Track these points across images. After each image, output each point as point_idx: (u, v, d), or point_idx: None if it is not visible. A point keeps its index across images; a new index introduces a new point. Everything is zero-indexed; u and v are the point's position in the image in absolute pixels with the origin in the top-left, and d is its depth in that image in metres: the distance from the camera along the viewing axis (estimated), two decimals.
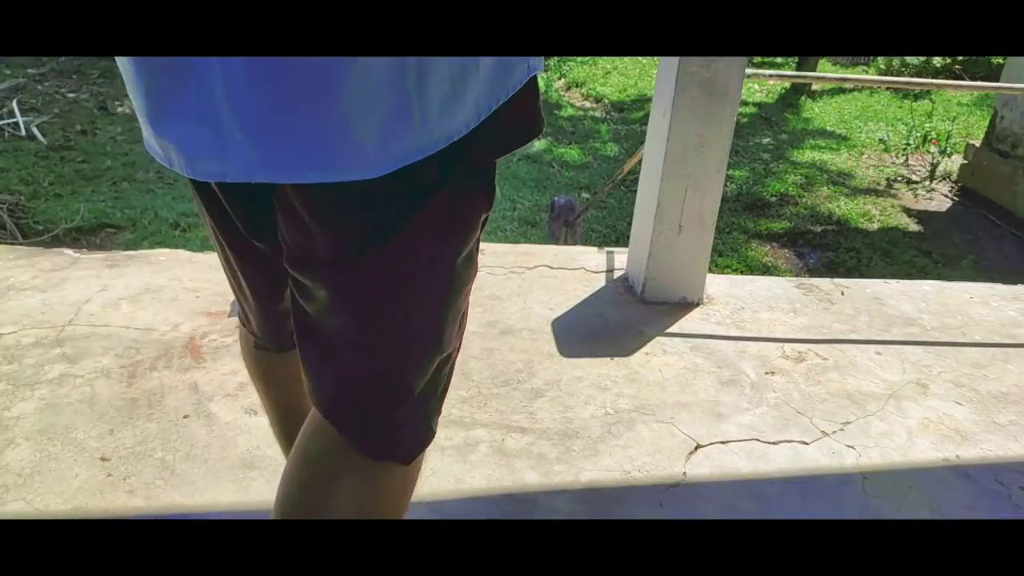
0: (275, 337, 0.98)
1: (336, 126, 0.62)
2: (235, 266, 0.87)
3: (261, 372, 1.06)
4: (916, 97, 8.16)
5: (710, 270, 2.25)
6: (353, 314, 0.75)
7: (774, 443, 1.65)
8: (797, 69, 8.14)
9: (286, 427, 1.14)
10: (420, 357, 0.78)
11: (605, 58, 8.60)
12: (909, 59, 8.95)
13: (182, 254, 2.34)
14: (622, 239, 4.54)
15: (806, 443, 1.66)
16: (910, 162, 6.56)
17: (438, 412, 0.85)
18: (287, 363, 1.00)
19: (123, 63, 0.68)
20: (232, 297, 2.08)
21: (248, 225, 0.79)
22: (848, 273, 4.58)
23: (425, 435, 0.83)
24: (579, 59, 8.68)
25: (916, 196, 5.95)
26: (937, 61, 8.94)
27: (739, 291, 2.32)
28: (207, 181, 0.72)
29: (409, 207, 0.69)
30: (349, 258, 0.71)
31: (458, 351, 0.86)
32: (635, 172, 2.49)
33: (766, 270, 4.63)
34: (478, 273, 0.84)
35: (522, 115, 0.75)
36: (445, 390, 0.85)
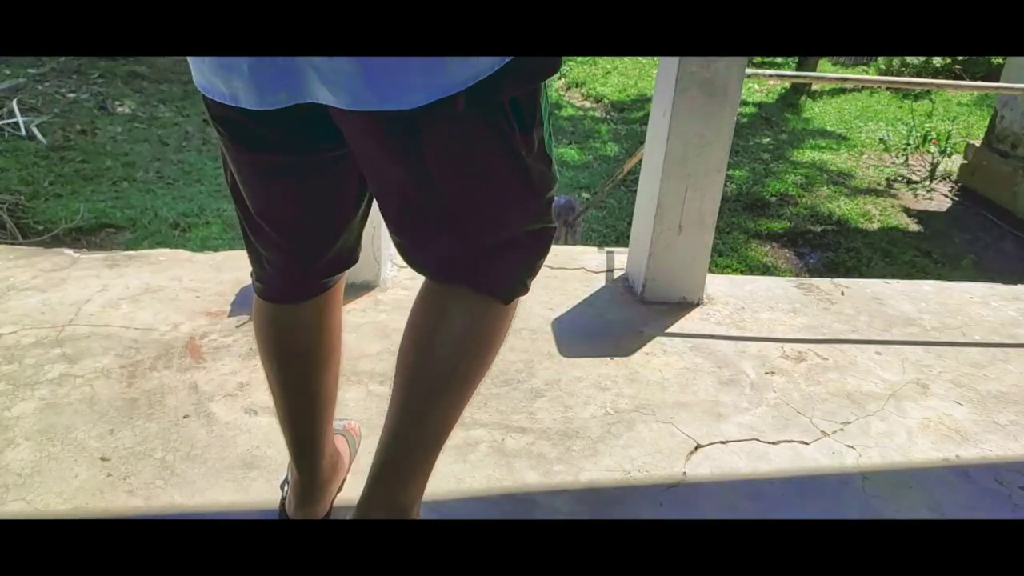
0: (297, 275, 1.06)
1: (381, 65, 0.77)
2: (265, 186, 0.97)
3: (275, 337, 1.11)
4: (916, 97, 8.17)
5: (710, 270, 2.25)
6: (417, 215, 0.94)
7: (774, 443, 1.65)
8: (797, 69, 8.14)
9: (292, 402, 1.14)
10: (490, 237, 0.95)
11: (605, 58, 8.59)
12: (909, 59, 8.95)
13: (182, 254, 2.33)
14: (622, 239, 4.54)
15: (806, 443, 1.66)
16: (910, 162, 6.56)
17: (532, 274, 1.02)
18: (300, 315, 1.09)
19: None
20: (232, 297, 2.09)
21: (275, 146, 0.92)
22: (848, 273, 4.58)
23: (517, 286, 1.01)
24: (579, 59, 8.68)
25: (916, 196, 5.95)
26: (937, 61, 8.94)
27: (739, 291, 2.32)
28: (248, 112, 0.86)
29: (442, 133, 0.84)
30: (404, 172, 0.88)
31: (550, 232, 1.01)
32: (635, 172, 2.49)
33: (766, 270, 4.63)
34: None
35: (540, 58, 0.86)
36: (538, 255, 1.02)
